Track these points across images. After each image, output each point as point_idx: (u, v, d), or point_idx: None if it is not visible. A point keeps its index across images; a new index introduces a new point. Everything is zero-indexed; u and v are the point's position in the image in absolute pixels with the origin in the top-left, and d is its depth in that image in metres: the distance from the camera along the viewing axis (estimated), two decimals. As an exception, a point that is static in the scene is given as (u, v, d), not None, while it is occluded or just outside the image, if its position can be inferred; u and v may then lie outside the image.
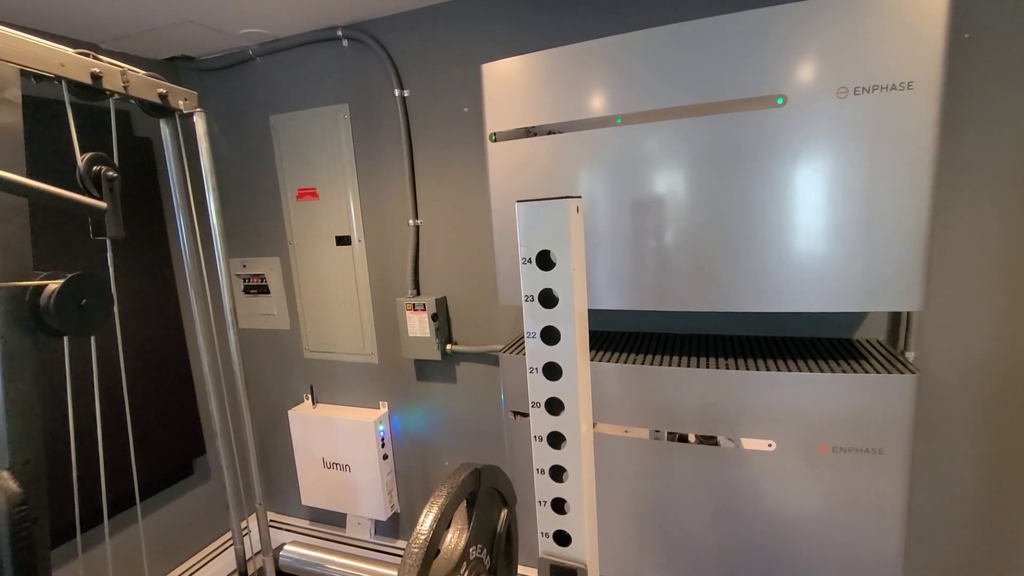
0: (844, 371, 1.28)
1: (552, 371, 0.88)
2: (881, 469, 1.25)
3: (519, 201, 0.84)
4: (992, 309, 1.48)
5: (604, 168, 1.39)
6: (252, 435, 1.77)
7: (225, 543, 2.59)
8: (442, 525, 0.82)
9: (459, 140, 1.99)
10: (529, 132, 1.45)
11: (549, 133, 1.43)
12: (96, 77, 1.25)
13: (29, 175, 1.00)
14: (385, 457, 2.33)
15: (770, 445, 1.33)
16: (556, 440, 0.90)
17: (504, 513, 1.05)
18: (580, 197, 0.86)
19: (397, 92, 2.02)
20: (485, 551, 0.99)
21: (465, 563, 0.92)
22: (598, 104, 1.36)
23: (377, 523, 2.48)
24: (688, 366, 1.41)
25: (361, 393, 2.43)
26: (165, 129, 1.59)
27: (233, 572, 2.46)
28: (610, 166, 1.38)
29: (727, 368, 1.36)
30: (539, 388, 0.90)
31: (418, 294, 2.17)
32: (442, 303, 2.14)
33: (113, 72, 1.30)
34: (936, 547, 1.63)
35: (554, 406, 0.89)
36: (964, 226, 1.46)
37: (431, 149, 2.05)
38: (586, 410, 0.90)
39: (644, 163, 1.35)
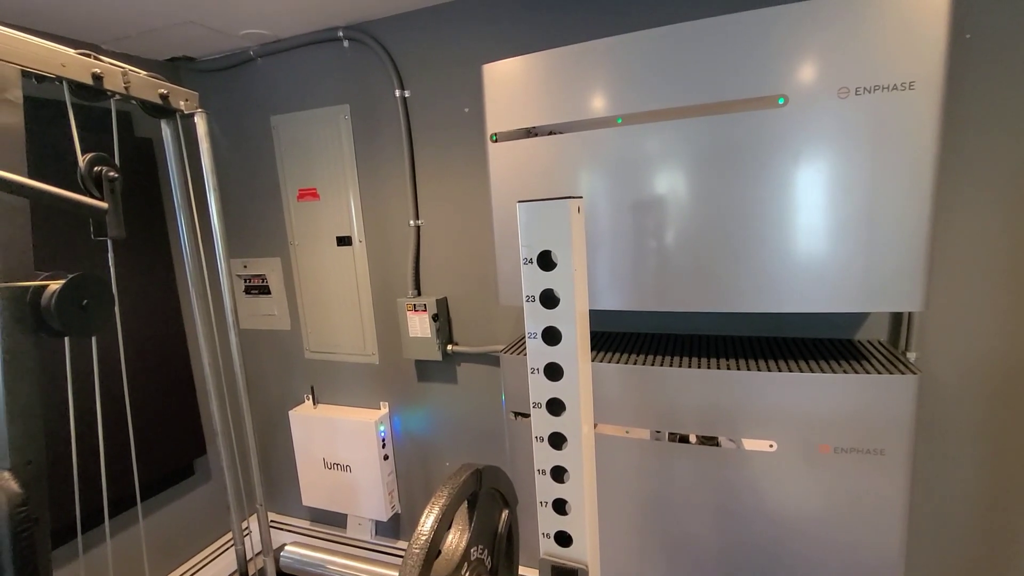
0: (845, 372, 1.27)
1: (553, 372, 0.88)
2: (882, 470, 1.25)
3: (520, 201, 0.84)
4: (993, 309, 1.47)
5: (605, 168, 1.39)
6: (253, 436, 1.77)
7: (226, 544, 2.60)
8: (443, 526, 0.82)
9: (460, 140, 1.99)
10: (530, 132, 1.45)
11: (550, 133, 1.43)
12: (97, 78, 1.25)
13: (30, 176, 1.00)
14: (386, 458, 2.33)
15: (771, 446, 1.33)
16: (557, 441, 0.90)
17: (505, 514, 1.05)
18: (581, 197, 0.86)
19: (398, 92, 2.02)
20: (486, 552, 0.99)
21: (466, 564, 0.92)
22: (599, 104, 1.36)
23: (378, 524, 2.48)
24: (689, 367, 1.41)
25: (362, 394, 2.43)
26: (166, 130, 1.59)
27: (234, 573, 2.46)
28: (611, 166, 1.38)
29: (728, 369, 1.36)
30: (540, 389, 0.89)
31: (419, 294, 2.17)
32: (443, 303, 2.14)
33: (114, 73, 1.30)
34: (937, 547, 1.62)
35: (555, 407, 0.89)
36: (965, 226, 1.46)
37: (432, 149, 2.05)
38: (587, 411, 0.90)
39: (645, 163, 1.35)
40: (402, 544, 2.45)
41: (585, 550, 0.92)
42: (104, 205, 1.19)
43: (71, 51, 1.20)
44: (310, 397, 2.52)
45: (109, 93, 1.30)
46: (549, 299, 0.86)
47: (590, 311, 0.92)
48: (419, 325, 2.11)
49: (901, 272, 1.19)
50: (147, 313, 2.25)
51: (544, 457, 0.92)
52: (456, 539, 0.93)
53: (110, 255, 1.31)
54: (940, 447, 1.57)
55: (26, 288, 0.99)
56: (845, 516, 1.30)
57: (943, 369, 1.54)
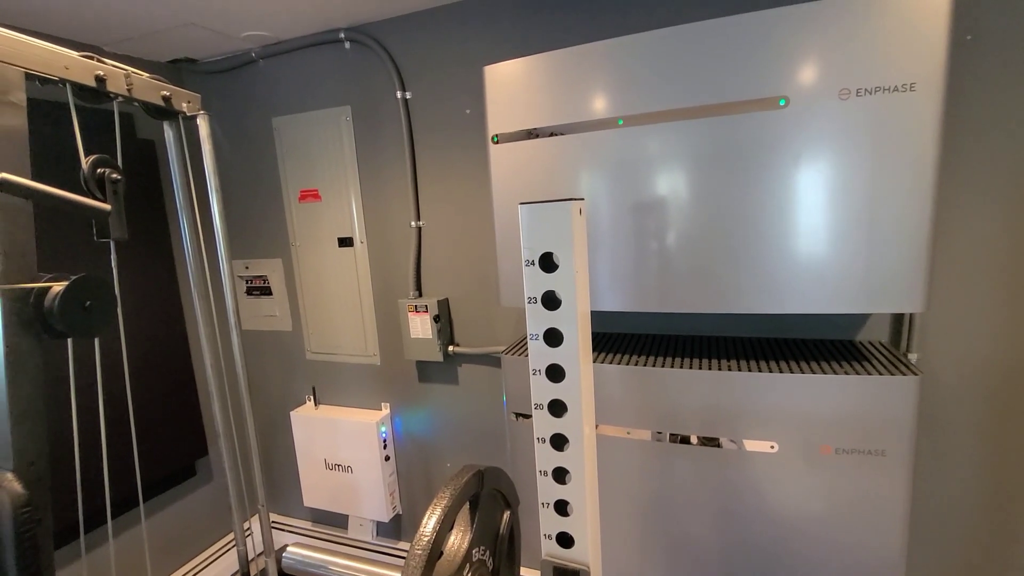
0: (846, 373, 1.27)
1: (555, 373, 0.88)
2: (883, 471, 1.25)
3: (522, 203, 0.84)
4: (994, 310, 1.47)
5: (606, 170, 1.39)
6: (254, 436, 1.77)
7: (227, 544, 2.60)
8: (445, 527, 0.82)
9: (461, 142, 1.99)
10: (531, 134, 1.46)
11: (551, 135, 1.43)
12: (100, 80, 1.25)
13: (33, 177, 1.01)
14: (387, 458, 2.33)
15: (772, 447, 1.33)
16: (559, 442, 0.90)
17: (507, 515, 1.05)
18: (583, 199, 0.86)
19: (399, 94, 2.03)
20: (488, 553, 0.99)
21: (468, 565, 0.92)
22: (600, 106, 1.36)
23: (379, 524, 2.48)
24: (690, 368, 1.41)
25: (363, 394, 2.43)
26: (168, 131, 1.59)
27: (235, 573, 2.46)
28: (612, 168, 1.38)
29: (729, 370, 1.36)
30: (542, 390, 0.90)
31: (420, 296, 2.17)
32: (444, 305, 2.14)
33: (117, 75, 1.31)
34: (938, 548, 1.62)
35: (557, 408, 0.89)
36: (966, 227, 1.46)
37: (433, 151, 2.06)
38: (589, 412, 0.90)
39: (646, 165, 1.35)
40: (403, 545, 2.45)
41: (587, 551, 0.92)
42: (107, 207, 1.19)
43: (74, 54, 1.20)
44: (311, 398, 2.52)
45: (112, 95, 1.30)
46: (551, 301, 0.86)
47: (591, 312, 0.92)
48: (420, 326, 2.11)
49: (902, 273, 1.19)
50: (149, 314, 2.25)
51: (546, 458, 0.92)
52: (458, 540, 0.94)
53: (113, 256, 1.31)
54: (941, 448, 1.57)
55: (29, 290, 0.99)
56: (846, 517, 1.30)
57: (944, 370, 1.54)
